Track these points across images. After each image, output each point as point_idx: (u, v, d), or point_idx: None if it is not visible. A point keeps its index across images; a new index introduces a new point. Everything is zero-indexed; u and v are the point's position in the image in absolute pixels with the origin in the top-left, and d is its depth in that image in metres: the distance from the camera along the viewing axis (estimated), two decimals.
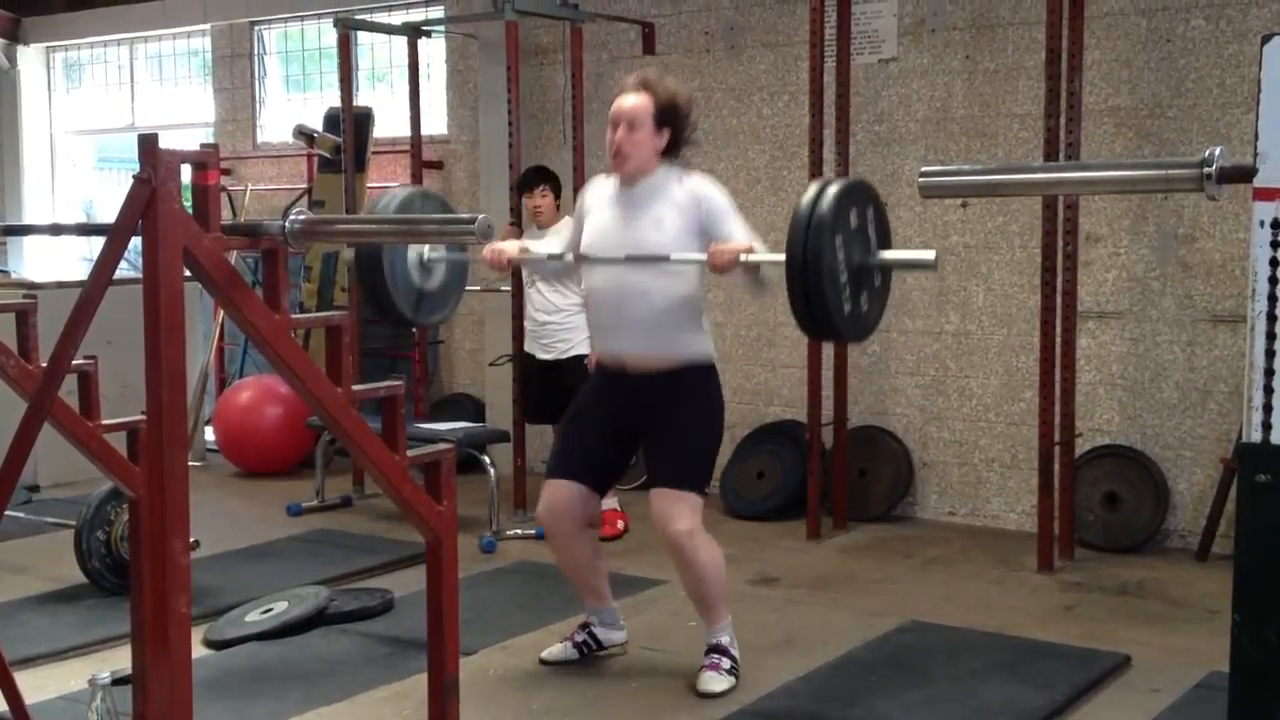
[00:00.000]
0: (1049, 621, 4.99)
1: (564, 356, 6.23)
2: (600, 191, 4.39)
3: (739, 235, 4.09)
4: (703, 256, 4.02)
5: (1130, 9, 6.07)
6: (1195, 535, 5.92)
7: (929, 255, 3.68)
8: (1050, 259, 5.60)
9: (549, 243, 5.07)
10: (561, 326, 6.29)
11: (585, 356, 5.93)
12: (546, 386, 6.30)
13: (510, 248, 4.43)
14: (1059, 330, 5.68)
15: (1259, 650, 2.04)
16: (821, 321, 3.55)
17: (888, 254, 3.68)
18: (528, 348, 6.48)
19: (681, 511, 4.14)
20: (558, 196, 6.44)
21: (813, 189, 3.57)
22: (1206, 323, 5.97)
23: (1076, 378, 5.87)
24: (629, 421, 4.29)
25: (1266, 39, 1.97)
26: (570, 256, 4.36)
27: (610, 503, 6.41)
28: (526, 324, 6.51)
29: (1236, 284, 5.84)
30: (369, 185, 8.12)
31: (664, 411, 4.22)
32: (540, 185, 6.38)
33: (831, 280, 3.46)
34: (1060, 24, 5.53)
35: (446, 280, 4.40)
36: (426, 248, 4.31)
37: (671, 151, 4.24)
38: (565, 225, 6.51)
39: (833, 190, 3.53)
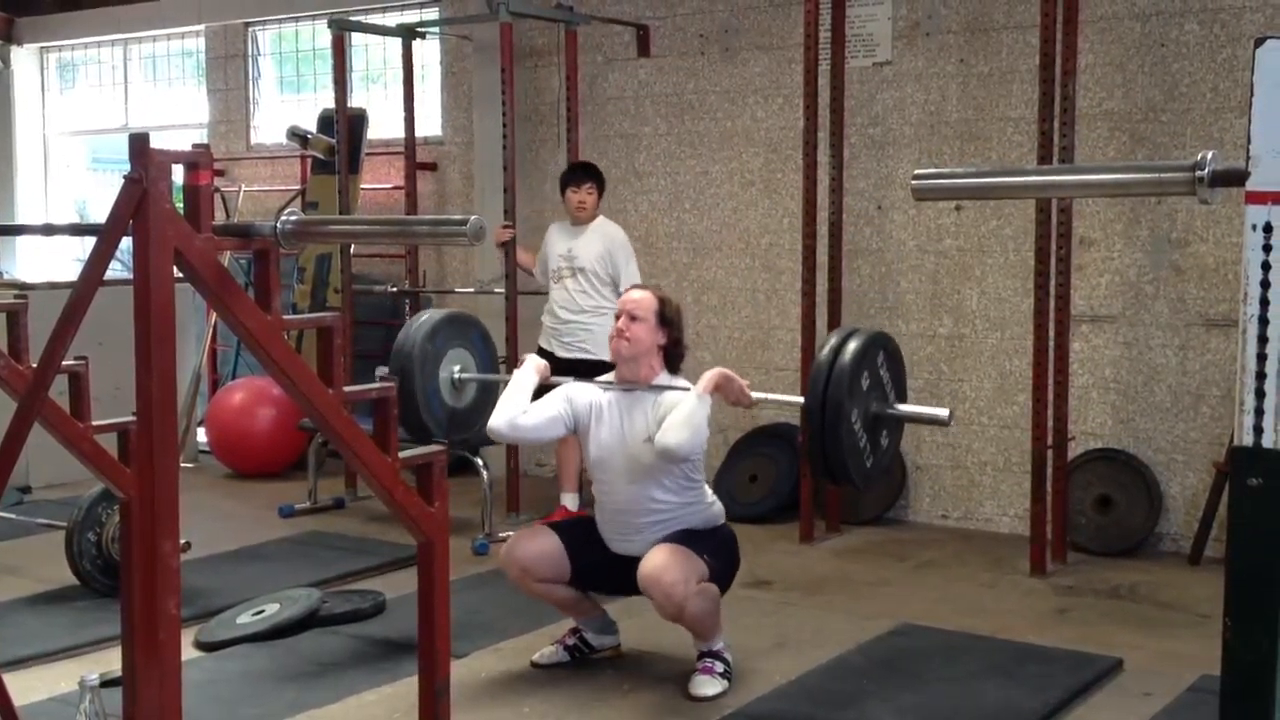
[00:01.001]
0: (1042, 625, 4.99)
1: (586, 357, 6.18)
2: (598, 397, 4.36)
3: (684, 401, 4.09)
4: (708, 410, 4.08)
5: (1124, 13, 6.07)
6: (1188, 539, 5.92)
7: (943, 413, 3.80)
8: (1044, 263, 5.61)
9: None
10: (585, 327, 6.29)
11: (605, 362, 5.92)
12: None
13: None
14: (1052, 334, 5.68)
15: (1251, 654, 2.04)
16: (836, 471, 3.68)
17: (903, 408, 3.80)
18: (545, 344, 6.43)
19: (676, 564, 4.05)
20: (601, 194, 6.44)
21: (833, 340, 3.68)
22: (1199, 326, 5.97)
23: (1069, 381, 5.88)
24: (633, 569, 4.20)
25: (1258, 43, 1.97)
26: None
27: (568, 500, 6.39)
28: (547, 320, 6.47)
29: (1229, 288, 5.84)
30: (363, 187, 8.12)
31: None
32: (587, 182, 6.38)
33: (848, 433, 3.60)
34: (1054, 28, 5.53)
35: (477, 398, 4.53)
36: (457, 368, 4.46)
37: (671, 361, 4.32)
38: (542, 252, 6.54)
39: (853, 345, 3.63)
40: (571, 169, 6.51)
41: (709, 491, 4.38)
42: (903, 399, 3.89)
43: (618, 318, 4.30)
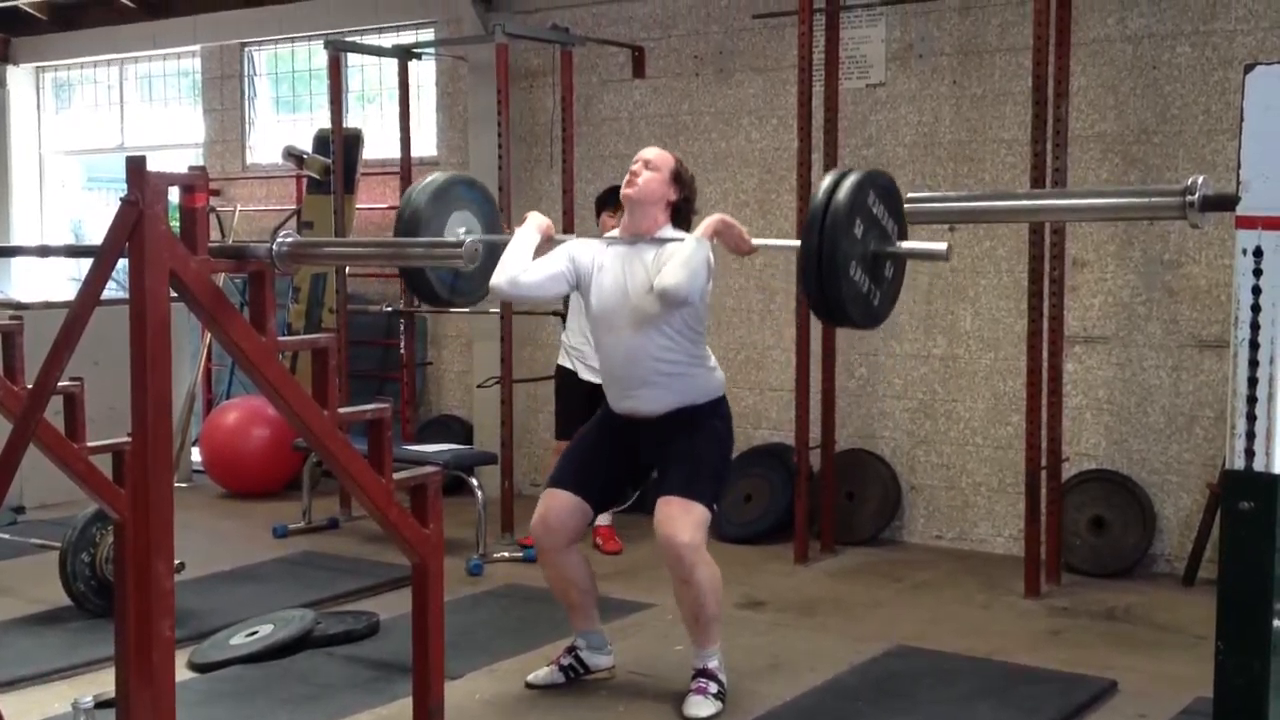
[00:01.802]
0: (1036, 646, 4.99)
1: None
2: (601, 252, 4.39)
3: (684, 244, 4.14)
4: (707, 253, 4.08)
5: (1116, 36, 6.11)
6: (1182, 560, 5.92)
7: (941, 247, 3.74)
8: (1037, 284, 5.62)
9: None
10: None
11: None
12: (592, 408, 6.25)
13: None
14: (1046, 355, 5.69)
15: (1243, 677, 2.04)
16: (835, 308, 3.58)
17: (902, 244, 3.74)
18: (568, 364, 6.39)
19: (686, 524, 4.16)
20: None
21: (830, 178, 3.61)
22: (1192, 348, 5.99)
23: (1063, 402, 5.88)
24: (639, 447, 4.33)
25: (1248, 69, 1.99)
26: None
27: (605, 519, 6.39)
28: (572, 339, 6.40)
29: (1222, 309, 5.86)
30: (358, 207, 8.13)
31: (676, 440, 4.28)
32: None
33: (844, 270, 3.50)
34: (1047, 50, 5.56)
35: (483, 263, 4.45)
36: (463, 229, 4.38)
37: (678, 218, 4.34)
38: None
39: (850, 180, 3.57)
40: (609, 193, 6.48)
41: (711, 356, 4.40)
42: (903, 236, 3.83)
43: (634, 164, 4.33)
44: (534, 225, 4.39)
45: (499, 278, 4.28)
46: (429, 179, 4.35)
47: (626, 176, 4.34)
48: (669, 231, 4.30)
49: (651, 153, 4.37)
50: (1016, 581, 5.73)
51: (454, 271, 4.40)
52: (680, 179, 4.33)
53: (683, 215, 4.35)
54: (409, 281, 4.34)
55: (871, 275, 3.65)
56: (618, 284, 4.29)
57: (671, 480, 4.26)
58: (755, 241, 4.21)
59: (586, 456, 4.45)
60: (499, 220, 4.61)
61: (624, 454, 4.39)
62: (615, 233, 4.48)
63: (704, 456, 4.28)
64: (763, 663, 4.75)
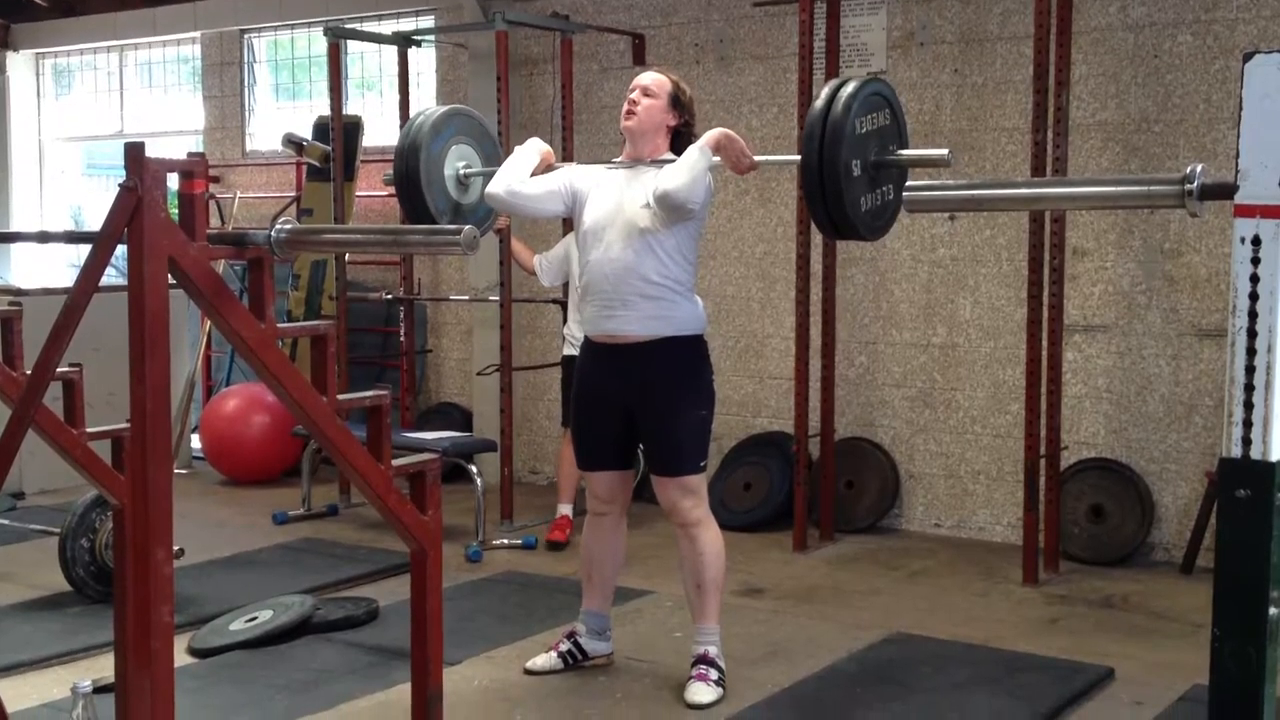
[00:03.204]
0: (1034, 634, 5.00)
1: None
2: (602, 175, 4.41)
3: (687, 152, 4.13)
4: (709, 163, 4.08)
5: (1118, 24, 6.10)
6: (1180, 548, 5.94)
7: (943, 153, 3.74)
8: (1037, 272, 5.62)
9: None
10: None
11: None
12: None
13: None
14: (1045, 343, 5.69)
15: (1240, 666, 2.04)
16: (838, 218, 3.57)
17: (903, 152, 3.74)
18: (571, 354, 6.40)
19: (687, 498, 4.26)
20: None
21: (828, 89, 3.60)
22: (1192, 336, 5.99)
23: (1062, 391, 5.89)
24: (625, 400, 4.34)
25: (1247, 57, 1.99)
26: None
27: (566, 509, 6.39)
28: (577, 330, 6.40)
29: (1222, 298, 5.86)
30: (358, 194, 8.13)
31: (656, 391, 4.26)
32: None
33: (846, 176, 3.49)
34: (1048, 39, 5.55)
35: (482, 195, 4.46)
36: (462, 163, 4.38)
37: (679, 142, 4.32)
38: (557, 255, 6.54)
39: (849, 89, 3.56)
40: None
41: (696, 295, 4.38)
42: (904, 145, 3.82)
43: (631, 91, 4.32)
44: (534, 147, 4.42)
45: (496, 185, 4.31)
46: (427, 111, 4.34)
47: (625, 105, 4.31)
48: (671, 156, 4.28)
49: (648, 78, 4.34)
50: (1015, 569, 5.74)
51: (455, 204, 4.43)
52: (679, 103, 4.31)
53: (684, 139, 4.31)
54: (411, 219, 4.35)
55: (873, 184, 3.64)
56: (613, 198, 4.28)
57: (660, 455, 4.32)
58: (757, 159, 4.17)
59: (594, 428, 4.45)
60: (498, 154, 4.62)
61: (616, 409, 4.36)
62: (619, 160, 4.46)
63: (685, 417, 4.28)
64: (762, 650, 4.77)
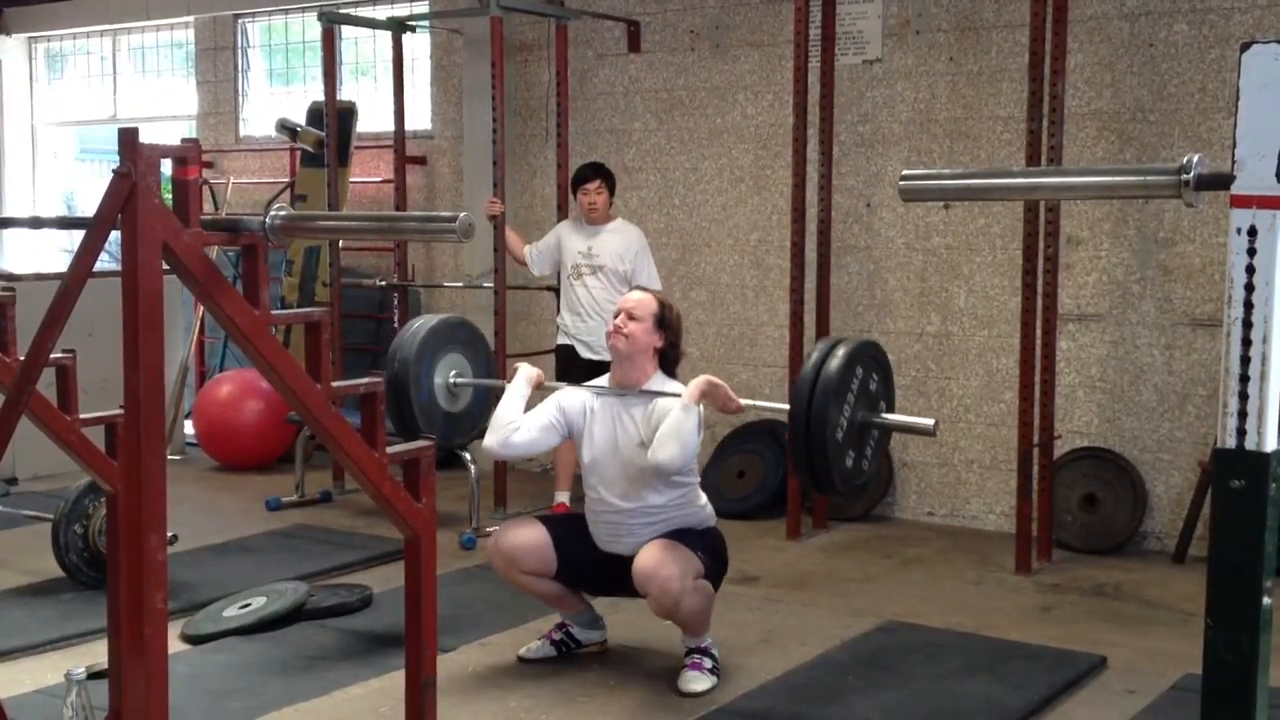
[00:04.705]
0: (1026, 622, 5.01)
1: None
2: (590, 401, 4.36)
3: (672, 412, 4.11)
4: (696, 420, 4.09)
5: (1113, 13, 6.09)
6: (1172, 537, 5.95)
7: (928, 423, 3.81)
8: (1031, 261, 5.62)
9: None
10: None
11: None
12: None
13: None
14: (1039, 332, 5.70)
15: (1232, 655, 2.05)
16: (822, 481, 3.65)
17: (889, 417, 3.79)
18: (566, 342, 6.42)
19: (672, 559, 4.08)
20: (612, 193, 6.42)
21: (821, 348, 3.67)
22: (1185, 326, 6.00)
23: (1056, 380, 5.89)
24: (621, 569, 4.23)
25: (1245, 47, 1.99)
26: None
27: (564, 497, 6.39)
28: (568, 318, 6.43)
29: (1216, 288, 5.87)
30: (352, 180, 8.10)
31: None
32: (595, 180, 6.35)
33: (832, 439, 3.57)
34: (1043, 27, 5.55)
35: (471, 404, 4.54)
36: (453, 373, 4.46)
37: (665, 363, 4.34)
38: (548, 244, 6.53)
39: (841, 352, 3.62)
40: (581, 170, 6.48)
41: (702, 494, 4.39)
42: (890, 408, 3.89)
43: (616, 315, 4.33)
44: (523, 378, 4.41)
45: (490, 440, 4.31)
46: (419, 323, 4.43)
47: (611, 327, 4.32)
48: (658, 380, 4.29)
49: (633, 300, 4.35)
50: (1008, 558, 5.75)
51: (444, 414, 4.49)
52: (664, 323, 4.31)
53: (670, 360, 4.34)
54: (399, 428, 4.38)
55: (857, 445, 3.70)
56: (608, 437, 4.30)
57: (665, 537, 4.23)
58: (744, 403, 4.15)
59: (580, 532, 4.39)
60: (491, 362, 4.67)
61: (607, 564, 4.32)
62: (604, 380, 4.44)
63: (690, 533, 4.26)
64: (755, 637, 4.77)
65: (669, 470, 4.09)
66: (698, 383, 4.12)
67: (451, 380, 4.54)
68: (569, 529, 4.43)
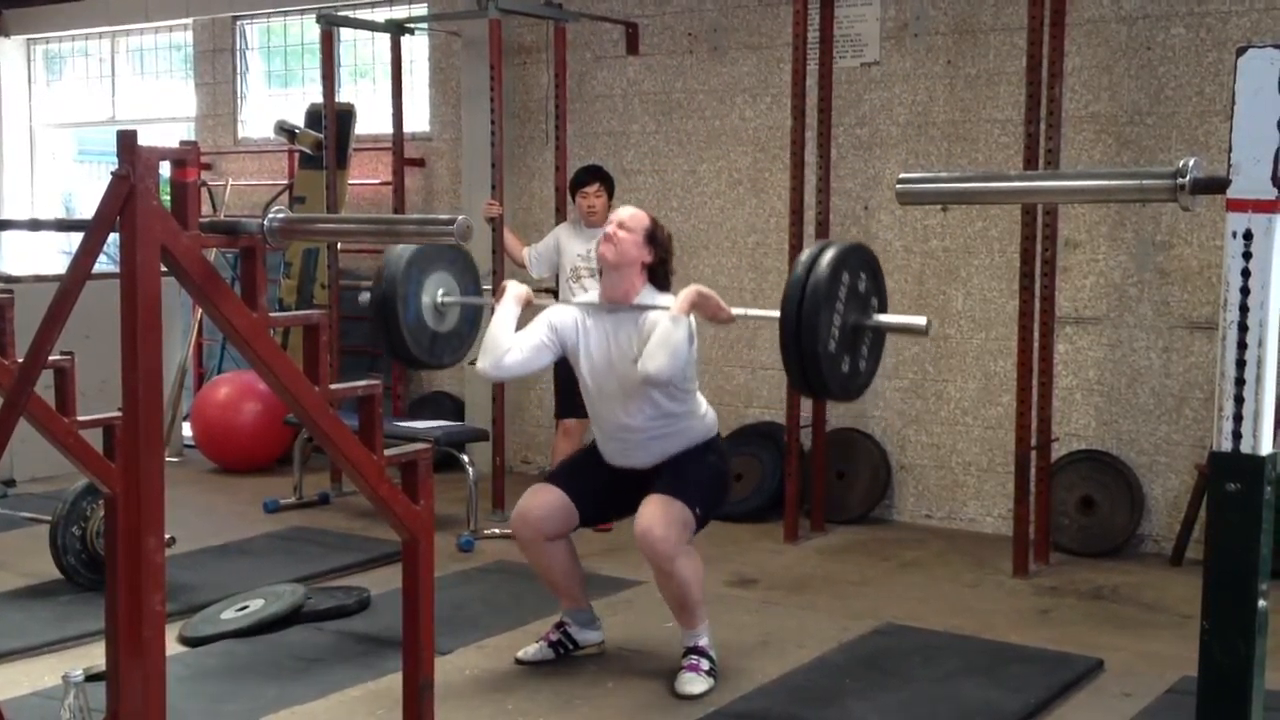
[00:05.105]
0: (1024, 625, 5.02)
1: None
2: (582, 318, 4.39)
3: (660, 324, 4.13)
4: (686, 330, 4.09)
5: (1111, 16, 6.10)
6: (1169, 540, 5.95)
7: (920, 321, 3.77)
8: (1029, 264, 5.63)
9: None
10: None
11: None
12: None
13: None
14: (1037, 335, 5.70)
15: (1228, 658, 2.05)
16: (814, 381, 3.61)
17: (881, 317, 3.77)
18: None
19: (663, 518, 4.15)
20: (611, 196, 6.42)
21: (810, 251, 3.64)
22: (1183, 329, 6.00)
23: (1054, 383, 5.90)
24: (634, 488, 4.31)
25: (1241, 52, 1.99)
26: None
27: None
28: None
29: (1213, 291, 5.88)
30: (350, 182, 8.11)
31: (671, 467, 4.32)
32: (594, 183, 6.35)
33: (824, 342, 3.53)
34: (1041, 30, 5.55)
35: (460, 323, 4.48)
36: (440, 291, 4.41)
37: (656, 277, 4.35)
38: (547, 246, 6.52)
39: (830, 254, 3.60)
40: (580, 173, 6.48)
41: (703, 402, 4.42)
42: (883, 309, 3.86)
43: (608, 226, 4.34)
44: (512, 296, 4.39)
45: (483, 362, 4.33)
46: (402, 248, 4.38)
47: (602, 237, 4.34)
48: (647, 295, 4.30)
49: (626, 212, 4.37)
50: (1005, 561, 5.76)
51: (432, 333, 4.44)
52: (655, 239, 4.33)
53: (659, 276, 4.36)
54: (386, 346, 4.40)
55: (850, 348, 3.68)
56: (604, 355, 4.32)
57: (660, 484, 4.27)
58: (735, 311, 4.20)
59: (587, 471, 4.46)
60: (478, 279, 4.62)
61: (620, 484, 4.39)
62: (593, 296, 4.46)
63: (693, 473, 4.31)
64: (753, 640, 4.78)
65: (659, 380, 4.09)
66: (686, 293, 4.14)
67: (439, 299, 4.48)
68: (579, 476, 4.44)
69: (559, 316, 4.41)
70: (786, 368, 3.67)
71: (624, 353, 4.26)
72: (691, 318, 4.14)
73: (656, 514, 4.15)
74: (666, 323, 4.09)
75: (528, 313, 4.42)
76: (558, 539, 4.40)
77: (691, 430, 4.36)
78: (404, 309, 4.31)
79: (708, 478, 4.34)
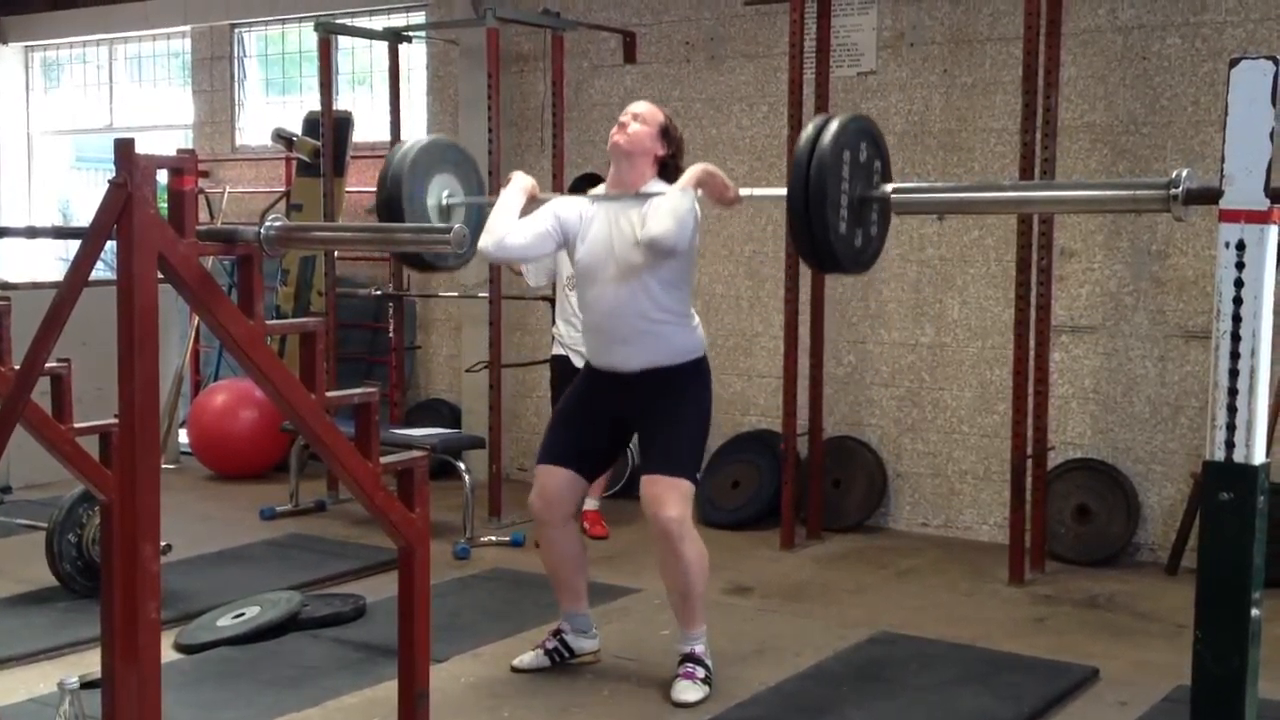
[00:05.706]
0: (1019, 634, 5.02)
1: None
2: (587, 208, 4.38)
3: (668, 193, 4.14)
4: (692, 201, 4.08)
5: (1106, 26, 6.12)
6: (1165, 549, 5.96)
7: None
8: (1025, 273, 5.64)
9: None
10: None
11: None
12: None
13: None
14: (1033, 344, 5.71)
15: (1221, 668, 2.06)
16: (824, 254, 3.59)
17: (888, 186, 3.75)
18: (561, 353, 6.40)
19: (672, 498, 4.19)
20: None
21: (814, 124, 3.62)
22: (1178, 338, 6.01)
23: (1049, 391, 5.90)
24: (621, 413, 4.36)
25: (1233, 63, 2.00)
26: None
27: (592, 504, 6.41)
28: (563, 329, 6.40)
29: (1208, 300, 5.88)
30: (348, 190, 8.12)
31: (657, 404, 4.29)
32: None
33: (833, 212, 3.50)
34: (1037, 40, 5.57)
35: (466, 223, 4.43)
36: (445, 192, 4.36)
37: (665, 174, 4.33)
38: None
39: (834, 125, 3.58)
40: (577, 181, 6.46)
41: (695, 315, 4.40)
42: (887, 177, 3.85)
43: (622, 116, 4.34)
44: (519, 186, 4.38)
45: (485, 240, 4.29)
46: (410, 144, 4.34)
47: (615, 127, 4.32)
48: (655, 186, 4.28)
49: (641, 106, 4.38)
50: (1001, 569, 5.76)
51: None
52: (669, 135, 4.33)
53: (670, 172, 4.32)
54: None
55: (859, 220, 3.65)
56: (603, 237, 4.29)
57: (654, 456, 4.28)
58: (742, 192, 4.19)
59: (571, 429, 4.45)
60: (483, 181, 4.59)
61: (605, 419, 4.40)
62: (602, 189, 4.47)
63: (684, 427, 4.29)
64: (748, 648, 4.78)
65: (662, 244, 4.05)
66: (694, 169, 4.14)
67: (444, 200, 4.46)
68: (570, 438, 4.42)
69: (563, 207, 4.40)
70: (796, 244, 3.63)
71: (625, 236, 4.22)
72: (697, 205, 4.12)
73: (663, 497, 4.18)
74: (675, 192, 4.08)
75: (533, 208, 4.40)
76: (573, 519, 4.46)
77: (680, 340, 4.30)
78: (410, 210, 4.28)
79: (696, 427, 4.33)
